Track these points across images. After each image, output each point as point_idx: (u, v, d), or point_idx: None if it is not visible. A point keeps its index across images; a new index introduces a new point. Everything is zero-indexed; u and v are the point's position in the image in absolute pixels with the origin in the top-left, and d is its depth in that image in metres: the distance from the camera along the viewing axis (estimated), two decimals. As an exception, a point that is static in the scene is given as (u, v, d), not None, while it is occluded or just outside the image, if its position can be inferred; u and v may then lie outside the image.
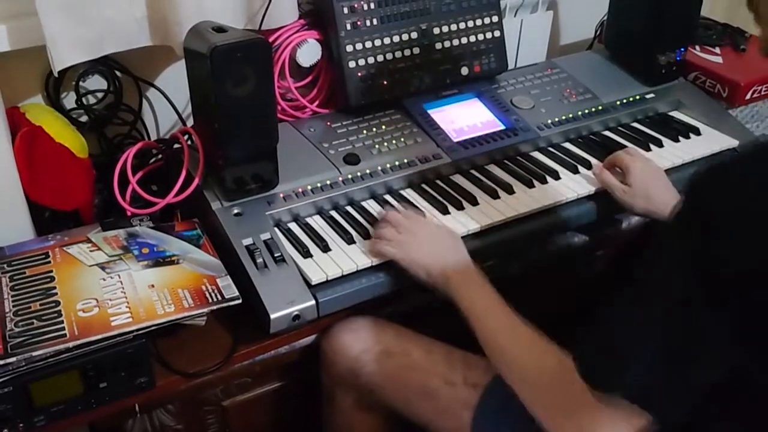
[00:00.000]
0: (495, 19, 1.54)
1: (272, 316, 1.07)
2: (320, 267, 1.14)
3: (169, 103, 1.40)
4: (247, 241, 1.16)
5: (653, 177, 1.31)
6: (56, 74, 1.23)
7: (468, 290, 1.07)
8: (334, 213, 1.28)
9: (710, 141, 1.53)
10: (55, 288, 1.08)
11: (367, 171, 1.32)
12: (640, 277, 0.84)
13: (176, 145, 1.32)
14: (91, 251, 1.16)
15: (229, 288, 1.10)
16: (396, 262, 1.15)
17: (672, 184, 1.31)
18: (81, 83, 1.34)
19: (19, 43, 1.20)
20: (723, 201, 0.75)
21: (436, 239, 1.16)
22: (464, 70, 1.52)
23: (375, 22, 1.42)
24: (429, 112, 1.45)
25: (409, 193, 1.33)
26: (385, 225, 1.18)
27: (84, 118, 1.38)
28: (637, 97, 1.62)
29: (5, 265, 1.13)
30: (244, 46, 1.10)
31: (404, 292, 1.22)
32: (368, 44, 1.42)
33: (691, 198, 0.78)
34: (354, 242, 1.20)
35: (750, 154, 0.83)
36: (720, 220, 0.74)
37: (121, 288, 1.08)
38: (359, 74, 1.42)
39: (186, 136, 1.31)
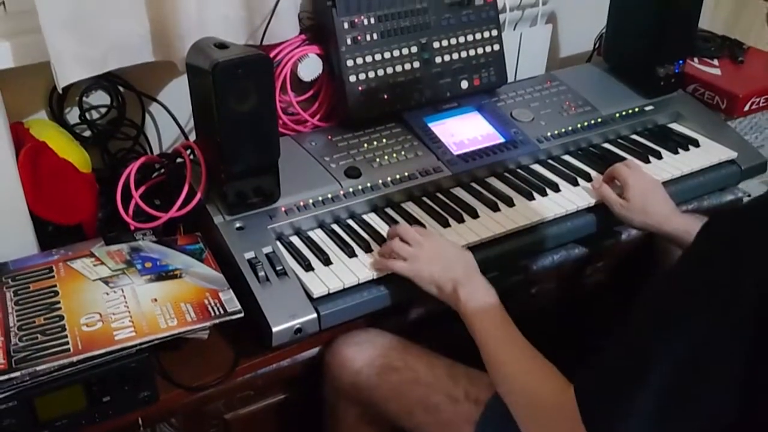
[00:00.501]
0: (494, 33, 1.55)
1: (274, 330, 1.08)
2: (322, 280, 1.15)
3: (171, 117, 1.41)
4: (249, 255, 1.17)
5: (651, 191, 1.32)
6: (60, 91, 1.24)
7: (477, 310, 1.07)
8: (335, 226, 1.29)
9: (709, 153, 1.54)
10: (59, 302, 1.09)
11: (368, 184, 1.33)
12: (644, 316, 0.83)
13: (179, 160, 1.34)
14: (94, 265, 1.17)
15: (231, 302, 1.11)
16: (406, 278, 1.15)
17: (670, 197, 1.32)
18: (84, 98, 1.36)
19: (24, 60, 1.21)
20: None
21: (446, 255, 1.16)
22: (464, 84, 1.53)
23: (375, 36, 1.44)
24: (429, 125, 1.47)
25: (410, 206, 1.34)
26: (395, 239, 1.19)
27: (87, 133, 1.39)
28: (636, 110, 1.63)
29: (9, 280, 1.14)
30: (246, 62, 1.11)
31: (406, 305, 1.23)
32: (369, 59, 1.43)
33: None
34: (355, 255, 1.21)
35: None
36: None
37: (125, 302, 1.09)
38: (360, 88, 1.43)
39: (188, 151, 1.32)
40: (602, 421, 0.83)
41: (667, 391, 0.78)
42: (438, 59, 1.50)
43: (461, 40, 1.52)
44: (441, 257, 1.15)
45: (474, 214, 1.31)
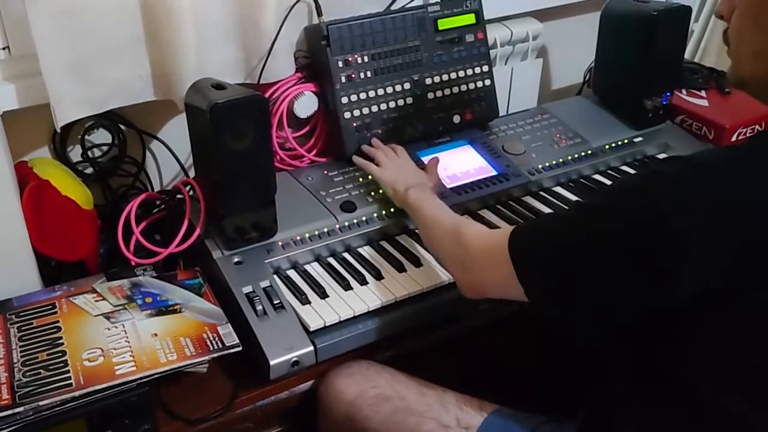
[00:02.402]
0: (485, 68, 1.59)
1: (272, 363, 1.10)
2: (318, 313, 1.18)
3: (171, 154, 1.44)
4: (247, 289, 1.19)
5: None
6: (59, 130, 1.28)
7: (420, 202, 1.26)
8: (331, 260, 1.31)
9: (697, 182, 1.57)
10: (61, 338, 1.11)
11: (363, 218, 1.36)
12: (597, 206, 0.93)
13: (178, 196, 1.37)
14: (96, 301, 1.19)
15: (229, 336, 1.13)
16: (373, 178, 1.40)
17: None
18: (86, 137, 1.39)
19: (28, 101, 1.25)
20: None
21: (411, 171, 1.40)
22: (456, 118, 1.57)
23: (369, 74, 1.48)
24: (423, 159, 1.50)
25: (405, 239, 1.37)
26: (377, 150, 1.45)
27: (89, 170, 1.42)
28: (626, 141, 1.66)
29: (13, 316, 1.16)
30: (242, 103, 1.14)
31: (401, 337, 1.25)
32: (363, 95, 1.47)
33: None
34: (351, 288, 1.24)
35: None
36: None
37: (125, 337, 1.12)
38: (354, 124, 1.47)
39: (188, 187, 1.35)
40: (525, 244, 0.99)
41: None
42: (430, 95, 1.54)
43: (453, 76, 1.56)
44: (405, 171, 1.39)
45: (467, 246, 1.34)
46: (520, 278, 0.97)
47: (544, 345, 1.46)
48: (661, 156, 1.67)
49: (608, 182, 1.56)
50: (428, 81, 1.53)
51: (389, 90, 1.50)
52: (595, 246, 0.88)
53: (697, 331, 0.84)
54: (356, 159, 1.46)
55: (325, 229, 1.33)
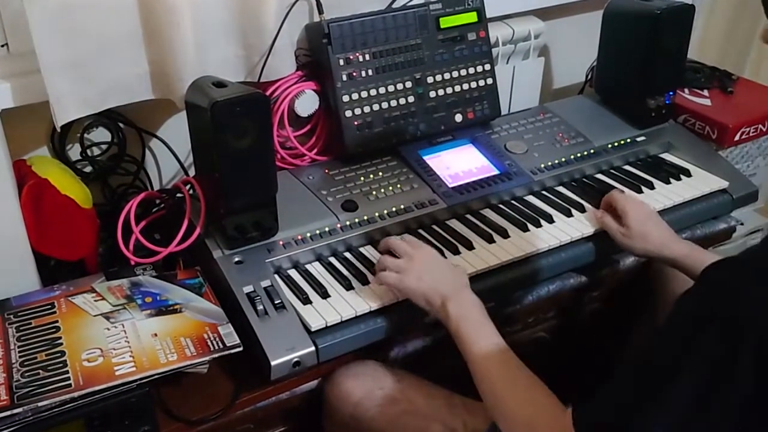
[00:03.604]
0: (487, 67, 1.58)
1: (273, 363, 1.09)
2: (319, 313, 1.17)
3: (171, 153, 1.43)
4: (248, 289, 1.18)
5: (649, 218, 1.34)
6: (59, 129, 1.27)
7: (466, 329, 1.07)
8: (333, 259, 1.30)
9: (701, 182, 1.56)
10: (60, 338, 1.10)
11: (365, 217, 1.35)
12: (649, 356, 0.85)
13: (178, 195, 1.36)
14: (95, 301, 1.18)
15: (230, 336, 1.12)
16: (397, 291, 1.17)
17: (664, 222, 1.35)
18: (86, 135, 1.38)
19: (24, 100, 1.23)
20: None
21: (436, 269, 1.16)
22: (458, 117, 1.56)
23: (370, 72, 1.47)
24: (424, 158, 1.49)
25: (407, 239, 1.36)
26: (387, 253, 1.22)
27: (88, 169, 1.41)
28: (628, 140, 1.65)
29: (12, 316, 1.15)
30: (243, 101, 1.13)
31: (403, 337, 1.24)
32: (364, 94, 1.46)
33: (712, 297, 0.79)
34: (353, 288, 1.23)
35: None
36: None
37: (125, 337, 1.11)
38: (356, 123, 1.46)
39: (188, 186, 1.34)
40: None
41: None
42: (432, 93, 1.53)
43: (455, 74, 1.55)
44: (431, 270, 1.15)
45: (469, 246, 1.33)
46: None
47: (553, 350, 1.46)
48: (664, 155, 1.66)
49: (611, 182, 1.55)
50: (430, 79, 1.52)
51: (391, 88, 1.49)
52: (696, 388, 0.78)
53: None
54: (378, 278, 1.20)
55: (327, 229, 1.32)
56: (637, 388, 0.83)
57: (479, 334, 1.06)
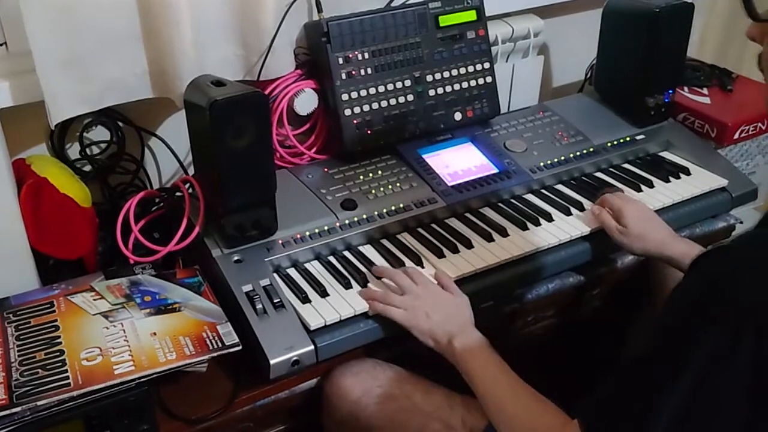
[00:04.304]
0: (486, 65, 1.58)
1: (272, 362, 1.09)
2: (318, 312, 1.17)
3: (170, 152, 1.43)
4: (247, 288, 1.18)
5: (647, 217, 1.34)
6: (53, 128, 1.27)
7: (472, 361, 1.09)
8: (332, 258, 1.30)
9: (700, 180, 1.56)
10: (59, 337, 1.10)
11: (364, 216, 1.35)
12: (647, 351, 0.85)
13: (177, 194, 1.36)
14: (94, 300, 1.18)
15: (229, 335, 1.12)
16: (404, 327, 1.17)
17: (663, 221, 1.35)
18: (85, 134, 1.38)
19: (25, 98, 1.24)
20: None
21: (443, 306, 1.18)
22: (457, 116, 1.56)
23: (369, 71, 1.46)
24: (423, 157, 1.49)
25: (405, 237, 1.36)
26: (391, 284, 1.22)
27: (87, 168, 1.41)
28: (628, 139, 1.65)
29: (11, 315, 1.15)
30: (242, 100, 1.13)
31: (402, 336, 1.24)
32: (363, 92, 1.46)
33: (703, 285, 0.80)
34: (351, 287, 1.23)
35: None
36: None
37: (124, 336, 1.11)
38: (355, 122, 1.46)
39: (187, 185, 1.34)
40: None
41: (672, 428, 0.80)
42: (431, 92, 1.53)
43: (454, 72, 1.55)
44: (438, 309, 1.16)
45: (468, 245, 1.33)
46: None
47: (552, 348, 1.46)
48: (664, 154, 1.66)
49: (610, 180, 1.55)
50: (429, 78, 1.52)
51: (390, 87, 1.49)
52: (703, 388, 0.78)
53: None
54: (373, 307, 1.19)
55: (326, 227, 1.32)
56: (641, 384, 0.83)
57: (486, 370, 1.08)
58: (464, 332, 1.13)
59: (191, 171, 1.45)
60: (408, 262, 1.28)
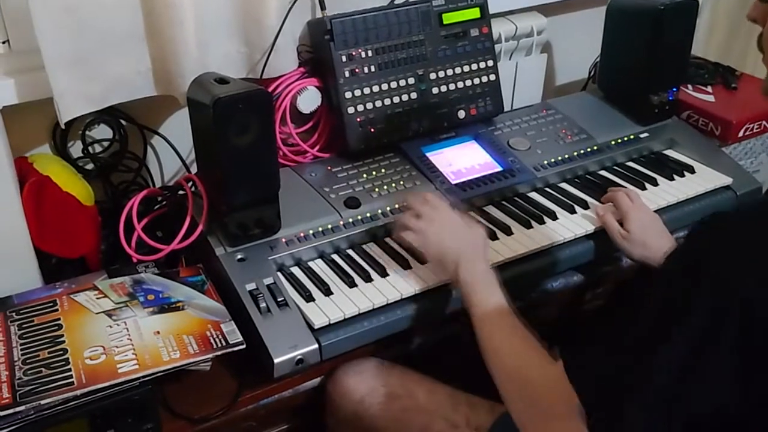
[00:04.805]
0: (490, 63, 1.58)
1: (276, 361, 1.09)
2: (322, 310, 1.16)
3: (173, 150, 1.43)
4: (251, 286, 1.18)
5: (650, 225, 1.33)
6: (63, 126, 1.26)
7: (475, 293, 1.10)
8: (335, 256, 1.30)
9: (704, 179, 1.56)
10: (62, 336, 1.10)
11: (368, 214, 1.35)
12: (646, 312, 0.86)
13: (180, 192, 1.35)
14: (97, 298, 1.18)
15: (233, 333, 1.12)
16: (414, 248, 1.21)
17: (667, 230, 1.34)
18: (87, 132, 1.38)
19: (27, 96, 1.23)
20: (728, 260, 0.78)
21: (456, 233, 1.19)
22: (461, 114, 1.56)
23: (373, 69, 1.46)
24: (427, 155, 1.49)
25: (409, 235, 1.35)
26: (408, 212, 1.25)
27: (90, 166, 1.41)
28: (632, 137, 1.65)
29: (14, 314, 1.15)
30: (246, 98, 1.13)
31: (406, 334, 1.24)
32: (366, 90, 1.46)
33: (694, 253, 0.81)
34: (356, 285, 1.22)
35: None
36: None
37: (128, 335, 1.10)
38: (358, 119, 1.45)
39: (190, 183, 1.34)
40: (598, 401, 0.86)
41: (662, 387, 0.81)
42: (435, 90, 1.52)
43: (457, 70, 1.54)
44: (450, 235, 1.18)
45: (472, 243, 1.32)
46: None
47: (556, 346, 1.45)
48: (668, 152, 1.66)
49: (614, 178, 1.54)
50: (432, 76, 1.52)
51: (393, 85, 1.48)
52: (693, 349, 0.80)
53: None
54: (396, 234, 1.27)
55: (329, 226, 1.32)
56: (632, 341, 0.85)
57: (486, 300, 1.09)
58: (471, 262, 1.14)
59: (194, 169, 1.44)
60: (412, 261, 1.27)
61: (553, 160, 1.54)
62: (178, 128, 1.44)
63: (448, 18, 1.52)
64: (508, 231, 1.36)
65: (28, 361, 1.05)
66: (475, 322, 1.08)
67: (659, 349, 0.81)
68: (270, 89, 1.43)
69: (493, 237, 1.34)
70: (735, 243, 0.79)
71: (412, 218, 1.22)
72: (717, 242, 0.80)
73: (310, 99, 1.48)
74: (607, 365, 0.87)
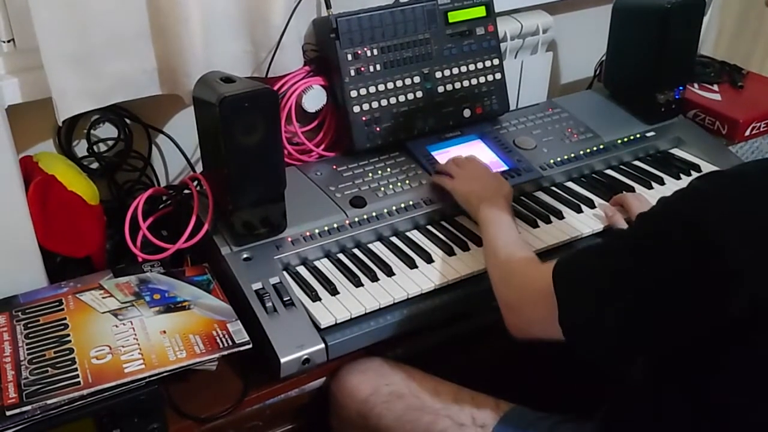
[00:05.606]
0: (496, 61, 1.57)
1: (282, 360, 1.08)
2: (329, 310, 1.16)
3: (178, 149, 1.43)
4: (257, 286, 1.18)
5: None
6: (60, 124, 1.26)
7: (487, 224, 1.24)
8: (341, 256, 1.30)
9: (711, 177, 1.55)
10: (68, 335, 1.10)
11: (374, 213, 1.35)
12: (640, 234, 0.91)
13: (186, 191, 1.35)
14: (103, 298, 1.18)
15: (239, 333, 1.11)
16: (447, 191, 1.36)
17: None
18: (92, 131, 1.38)
19: (32, 95, 1.23)
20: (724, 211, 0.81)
21: (484, 179, 1.36)
22: (466, 112, 1.55)
23: (378, 67, 1.46)
24: (433, 154, 1.48)
25: (415, 235, 1.35)
26: (449, 164, 1.41)
27: (95, 165, 1.40)
28: (638, 136, 1.64)
29: (20, 313, 1.14)
30: (252, 96, 1.12)
31: (412, 334, 1.24)
32: (372, 89, 1.45)
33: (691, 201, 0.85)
34: (362, 285, 1.22)
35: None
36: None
37: (134, 334, 1.10)
38: (364, 118, 1.45)
39: (195, 182, 1.33)
40: (570, 304, 0.93)
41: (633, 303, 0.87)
42: (440, 88, 1.52)
43: (463, 69, 1.54)
44: (479, 180, 1.35)
45: (479, 242, 1.31)
46: (566, 313, 0.93)
47: (558, 345, 1.44)
48: (674, 151, 1.65)
49: (621, 177, 1.54)
50: (438, 74, 1.52)
51: (399, 83, 1.48)
52: (650, 273, 0.85)
53: (740, 352, 0.84)
54: (433, 178, 1.41)
55: (335, 225, 1.31)
56: (608, 259, 0.92)
57: (500, 231, 1.21)
58: (493, 202, 1.27)
59: (199, 168, 1.44)
60: (418, 260, 1.27)
61: (559, 158, 1.53)
62: (183, 127, 1.44)
63: (454, 16, 1.52)
64: (514, 230, 1.35)
65: (34, 360, 1.05)
66: (485, 243, 1.22)
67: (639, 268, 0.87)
68: (275, 88, 1.43)
69: (499, 236, 1.34)
70: (735, 214, 0.81)
71: (453, 166, 1.38)
72: (717, 211, 0.82)
73: (315, 98, 1.48)
74: (587, 268, 0.94)
